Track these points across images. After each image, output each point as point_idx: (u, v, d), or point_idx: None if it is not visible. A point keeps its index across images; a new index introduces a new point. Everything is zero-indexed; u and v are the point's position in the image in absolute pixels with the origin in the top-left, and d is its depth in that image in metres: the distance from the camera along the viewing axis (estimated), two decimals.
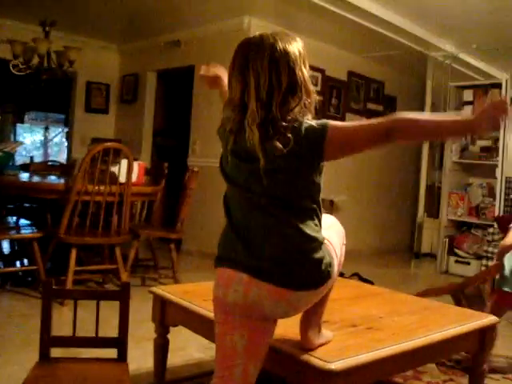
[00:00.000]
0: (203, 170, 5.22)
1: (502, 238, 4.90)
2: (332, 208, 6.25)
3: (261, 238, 1.61)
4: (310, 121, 1.60)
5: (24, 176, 4.83)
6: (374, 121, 1.59)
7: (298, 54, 1.63)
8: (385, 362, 1.86)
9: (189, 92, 6.86)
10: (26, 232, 4.21)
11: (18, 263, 5.06)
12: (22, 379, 1.86)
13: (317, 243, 1.61)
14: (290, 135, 1.55)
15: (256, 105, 1.57)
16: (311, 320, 1.80)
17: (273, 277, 1.58)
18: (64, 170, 5.99)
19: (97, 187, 4.05)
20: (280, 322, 1.73)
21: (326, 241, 1.66)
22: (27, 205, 5.48)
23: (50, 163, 6.64)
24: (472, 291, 3.61)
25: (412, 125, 1.59)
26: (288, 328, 1.81)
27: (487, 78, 7.38)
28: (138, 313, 2.76)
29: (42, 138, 12.56)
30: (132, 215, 5.01)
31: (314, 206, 1.64)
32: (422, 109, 7.59)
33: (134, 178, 4.33)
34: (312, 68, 1.73)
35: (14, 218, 5.35)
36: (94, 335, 2.10)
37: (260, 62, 1.58)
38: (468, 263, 6.15)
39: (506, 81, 6.14)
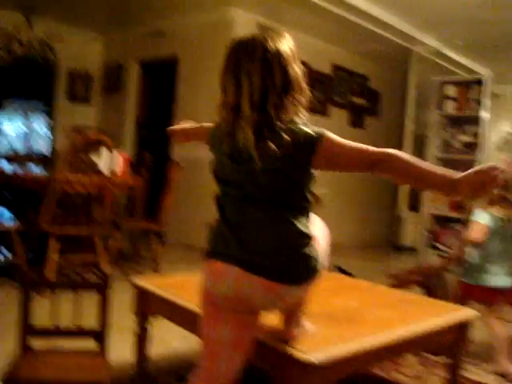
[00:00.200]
0: (186, 162, 5.21)
1: None
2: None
3: (255, 234, 1.62)
4: (307, 126, 1.60)
5: (5, 166, 4.78)
6: (369, 148, 1.59)
7: (289, 52, 1.63)
8: (365, 354, 1.88)
9: (172, 83, 6.82)
10: (7, 222, 4.17)
11: None
12: (0, 370, 1.85)
13: (308, 239, 1.63)
14: (286, 136, 1.55)
15: (250, 106, 1.57)
16: (294, 313, 1.81)
17: (265, 271, 1.59)
18: (46, 160, 5.94)
19: (79, 178, 4.02)
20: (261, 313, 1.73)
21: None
22: (8, 195, 5.42)
23: (31, 153, 6.58)
24: (435, 281, 3.66)
25: (401, 166, 1.57)
26: (269, 320, 1.82)
27: (470, 74, 7.44)
28: (119, 304, 2.75)
29: (24, 128, 12.42)
30: (114, 206, 4.98)
31: (306, 204, 1.66)
32: (405, 103, 7.64)
33: (117, 169, 4.30)
34: None
35: None
36: (74, 326, 2.10)
37: (252, 63, 1.57)
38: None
39: (489, 77, 6.18)
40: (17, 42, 5.56)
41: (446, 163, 6.71)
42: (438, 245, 6.49)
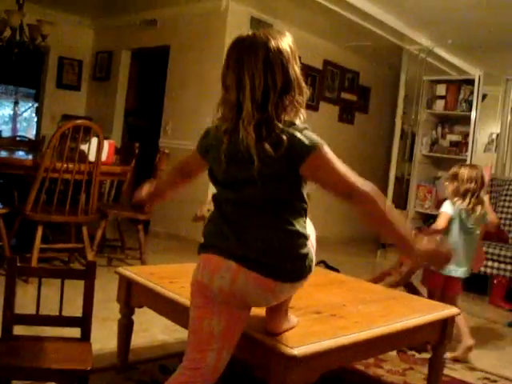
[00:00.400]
0: (174, 152, 5.19)
1: None
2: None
3: (253, 233, 1.63)
4: (306, 132, 1.60)
5: None
6: (351, 178, 1.61)
7: (290, 51, 1.63)
8: (347, 348, 1.89)
9: (163, 72, 6.80)
10: None
11: None
12: None
13: (304, 239, 1.67)
14: (284, 138, 1.56)
15: (251, 106, 1.57)
16: (279, 306, 1.82)
17: (261, 267, 1.61)
18: (32, 145, 5.91)
19: (65, 165, 4.00)
20: None
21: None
22: None
23: (18, 138, 6.54)
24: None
25: (372, 211, 1.61)
26: (253, 313, 1.82)
27: (461, 74, 7.47)
28: (103, 293, 2.75)
29: (11, 113, 12.33)
30: (100, 194, 4.97)
31: (304, 204, 1.69)
32: (395, 100, 7.66)
33: (103, 157, 4.28)
34: None
35: None
36: (57, 314, 2.09)
37: (254, 63, 1.58)
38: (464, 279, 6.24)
39: (479, 77, 6.21)
40: (8, 28, 5.50)
41: (434, 161, 6.76)
42: None
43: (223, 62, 1.68)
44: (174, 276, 2.49)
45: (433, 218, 6.55)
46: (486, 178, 3.65)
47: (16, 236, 4.42)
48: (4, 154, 4.65)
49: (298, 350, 1.72)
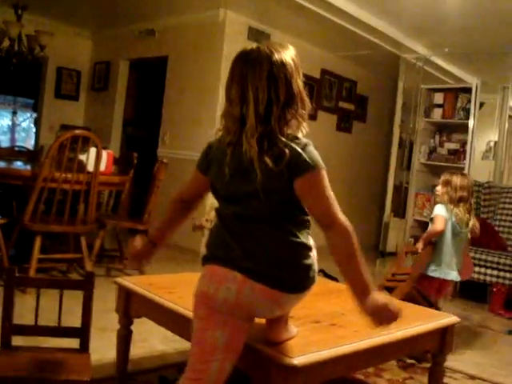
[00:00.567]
0: (172, 162, 5.20)
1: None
2: None
3: (258, 244, 1.64)
4: (309, 149, 1.60)
5: None
6: (332, 210, 1.61)
7: (293, 65, 1.64)
8: (347, 358, 1.89)
9: (161, 83, 6.81)
10: None
11: None
12: None
13: (308, 250, 1.68)
14: (286, 151, 1.57)
15: (255, 119, 1.58)
16: (280, 316, 1.82)
17: (267, 278, 1.62)
18: (31, 156, 5.91)
19: (64, 175, 4.00)
20: None
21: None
22: None
23: (16, 149, 6.53)
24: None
25: (338, 247, 1.62)
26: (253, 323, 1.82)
27: (458, 82, 7.49)
28: (102, 303, 2.74)
29: (10, 123, 12.33)
30: (99, 204, 4.96)
31: (306, 217, 1.70)
32: (392, 109, 7.67)
33: (102, 167, 4.28)
34: None
35: None
36: (56, 324, 2.08)
37: (259, 77, 1.59)
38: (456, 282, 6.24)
39: (477, 85, 6.23)
40: (7, 38, 5.52)
41: (432, 170, 6.77)
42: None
43: (227, 75, 1.69)
44: (172, 286, 2.49)
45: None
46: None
47: (14, 246, 4.41)
48: (2, 164, 4.65)
49: (297, 360, 1.71)
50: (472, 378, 3.15)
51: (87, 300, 2.09)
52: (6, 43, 5.57)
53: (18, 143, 11.24)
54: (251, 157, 1.59)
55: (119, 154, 6.89)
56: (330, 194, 1.62)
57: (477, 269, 5.07)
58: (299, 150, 1.58)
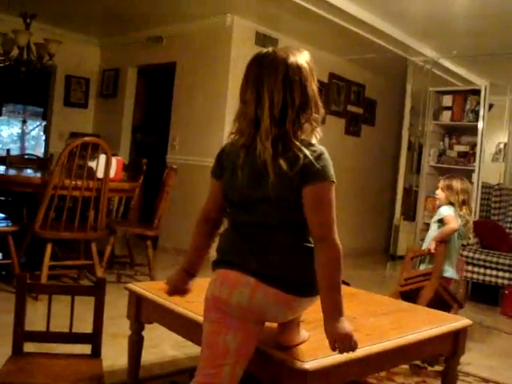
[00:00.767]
0: (182, 167, 5.22)
1: (478, 243, 5.06)
2: None
3: (271, 250, 1.64)
4: (324, 159, 1.61)
5: (0, 169, 4.77)
6: (326, 224, 1.60)
7: (308, 69, 1.65)
8: (359, 362, 1.87)
9: (169, 89, 6.83)
10: (1, 225, 4.15)
11: None
12: None
13: None
14: (301, 156, 1.57)
15: (270, 121, 1.59)
16: (292, 320, 1.81)
17: (281, 283, 1.62)
18: (41, 163, 5.94)
19: (74, 182, 4.01)
20: None
21: None
22: (3, 198, 5.42)
23: (26, 156, 6.57)
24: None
25: (335, 264, 1.60)
26: (264, 327, 1.81)
27: (466, 84, 7.47)
28: (113, 309, 2.75)
29: (20, 131, 12.40)
30: (109, 211, 4.97)
31: None
32: (401, 112, 7.65)
33: (111, 173, 4.29)
34: None
35: None
36: (68, 331, 2.09)
37: (274, 79, 1.60)
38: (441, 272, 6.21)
39: (485, 87, 6.21)
40: (15, 47, 5.55)
41: (441, 172, 6.74)
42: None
43: (236, 79, 1.69)
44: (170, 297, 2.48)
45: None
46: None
47: (25, 254, 4.43)
48: (13, 172, 4.68)
49: (309, 364, 1.70)
50: (485, 381, 3.13)
51: (98, 306, 2.09)
52: (15, 52, 5.61)
53: (27, 151, 11.30)
54: (265, 159, 1.59)
55: (128, 160, 6.91)
56: (333, 210, 1.61)
57: (488, 271, 5.04)
58: (314, 157, 1.59)
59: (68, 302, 2.06)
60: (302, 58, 1.66)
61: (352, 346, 1.61)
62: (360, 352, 1.86)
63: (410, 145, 7.60)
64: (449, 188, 3.84)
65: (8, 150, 6.80)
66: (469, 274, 5.19)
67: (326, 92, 7.32)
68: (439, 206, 3.90)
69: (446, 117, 6.67)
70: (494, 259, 5.02)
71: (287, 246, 1.65)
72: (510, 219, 5.83)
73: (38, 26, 6.11)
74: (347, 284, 3.60)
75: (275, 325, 1.85)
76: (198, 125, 6.38)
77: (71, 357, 2.07)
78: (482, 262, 5.08)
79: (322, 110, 1.69)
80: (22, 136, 12.41)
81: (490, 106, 6.65)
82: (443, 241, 3.76)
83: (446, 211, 3.81)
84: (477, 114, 6.29)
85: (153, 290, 2.48)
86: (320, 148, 1.63)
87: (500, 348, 3.89)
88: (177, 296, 1.93)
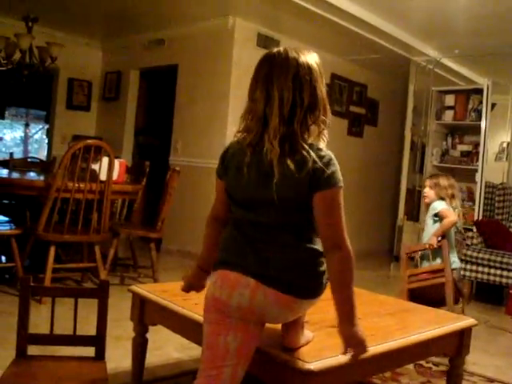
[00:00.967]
0: (185, 169, 5.21)
1: (482, 242, 5.06)
2: None
3: (274, 251, 1.65)
4: (333, 165, 1.62)
5: (3, 172, 4.77)
6: (338, 232, 1.62)
7: (318, 71, 1.67)
8: (363, 362, 1.86)
9: (172, 91, 6.83)
10: (5, 228, 4.16)
11: None
12: None
13: (322, 257, 1.69)
14: (309, 160, 1.58)
15: (278, 120, 1.59)
16: (296, 320, 1.81)
17: (281, 284, 1.63)
18: (44, 166, 5.94)
19: (77, 184, 4.02)
20: None
21: None
22: (6, 201, 5.42)
23: (29, 160, 6.57)
24: None
25: (350, 270, 1.63)
26: (265, 328, 1.81)
27: (469, 84, 7.45)
28: (117, 312, 2.74)
29: (22, 135, 12.41)
30: (112, 213, 4.98)
31: None
32: (404, 112, 7.64)
33: (114, 176, 4.30)
34: None
35: None
36: (71, 333, 2.08)
37: (285, 78, 1.61)
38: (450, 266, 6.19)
39: (488, 86, 6.20)
40: (18, 50, 5.56)
41: (444, 172, 6.72)
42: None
43: (252, 75, 1.69)
44: (186, 293, 2.48)
45: None
46: None
47: (29, 257, 4.44)
48: (16, 175, 4.68)
49: (314, 365, 1.70)
50: (490, 380, 3.12)
51: (102, 308, 2.08)
52: (18, 55, 5.61)
53: (30, 154, 11.32)
54: (271, 158, 1.59)
55: (131, 162, 6.92)
56: (343, 214, 1.63)
57: (492, 271, 5.03)
58: (323, 163, 1.60)
59: (71, 304, 2.06)
60: (312, 59, 1.67)
61: (363, 352, 1.66)
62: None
63: (413, 145, 7.57)
64: (437, 185, 4.04)
65: (11, 154, 6.78)
66: (473, 274, 5.17)
67: (329, 92, 7.23)
68: (429, 204, 4.09)
69: (448, 116, 6.66)
70: (498, 258, 5.00)
71: (289, 247, 1.65)
72: None
73: (40, 30, 6.11)
74: None
75: (278, 326, 1.84)
76: (201, 127, 6.38)
77: (75, 359, 2.07)
78: (486, 262, 5.06)
79: (329, 114, 1.69)
80: (25, 139, 12.43)
81: (493, 106, 6.63)
82: (444, 234, 3.88)
83: (439, 205, 3.98)
84: (479, 113, 6.27)
85: (156, 292, 2.48)
86: (328, 153, 1.64)
87: (505, 347, 3.88)
88: (192, 292, 1.96)
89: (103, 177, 4.15)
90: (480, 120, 6.23)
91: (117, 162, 4.39)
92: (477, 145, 6.36)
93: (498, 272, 4.99)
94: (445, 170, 6.74)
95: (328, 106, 1.69)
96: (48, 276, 3.93)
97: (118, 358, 2.81)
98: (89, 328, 2.10)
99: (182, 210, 6.08)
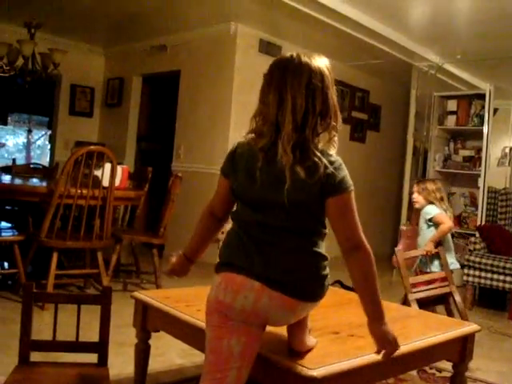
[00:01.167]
0: (187, 175, 5.21)
1: (485, 248, 5.05)
2: None
3: (280, 253, 1.65)
4: (343, 170, 1.65)
5: (6, 178, 4.78)
6: (356, 232, 1.65)
7: (330, 77, 1.68)
8: (366, 369, 1.86)
9: (174, 97, 6.85)
10: (7, 235, 4.16)
11: None
12: (0, 383, 1.84)
13: (326, 261, 1.72)
14: (321, 167, 1.59)
15: (291, 126, 1.60)
16: (302, 323, 1.83)
17: (286, 287, 1.64)
18: (46, 172, 5.95)
19: (79, 191, 4.02)
20: None
21: None
22: (9, 207, 5.42)
23: (32, 166, 6.58)
24: None
25: (372, 268, 1.66)
26: (267, 334, 1.81)
27: (471, 89, 7.45)
28: (119, 318, 2.74)
29: (25, 141, 12.45)
30: (115, 220, 4.98)
31: (325, 230, 1.73)
32: (406, 117, 7.63)
33: (117, 182, 4.30)
34: None
35: None
36: (74, 340, 2.08)
37: (298, 85, 1.61)
38: (462, 268, 6.18)
39: (490, 91, 6.19)
40: (20, 57, 5.57)
41: (447, 177, 6.73)
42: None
43: (264, 79, 1.70)
44: (189, 299, 2.48)
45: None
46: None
47: (31, 263, 4.43)
48: (18, 181, 4.69)
49: (317, 372, 1.69)
50: None
51: (105, 314, 2.08)
52: (20, 62, 5.62)
53: (33, 161, 11.34)
54: (284, 164, 1.59)
55: (134, 168, 6.92)
56: (357, 216, 1.66)
57: (495, 276, 5.01)
58: (334, 168, 1.62)
59: (74, 310, 2.05)
60: (323, 65, 1.69)
61: (395, 350, 1.70)
62: (367, 359, 1.86)
63: (415, 150, 7.56)
64: (424, 190, 4.09)
65: (14, 160, 6.80)
66: (476, 279, 5.16)
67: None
68: (420, 209, 4.14)
69: (450, 121, 6.65)
70: (501, 264, 4.99)
71: (296, 250, 1.66)
72: None
73: (43, 36, 6.13)
74: (353, 290, 3.60)
75: (281, 332, 1.84)
76: (203, 132, 6.39)
77: (78, 366, 2.06)
78: (489, 267, 5.05)
79: (340, 120, 1.70)
80: (28, 145, 12.46)
81: (495, 111, 6.63)
82: (440, 240, 3.95)
83: (433, 210, 4.02)
84: (482, 118, 6.26)
85: (159, 298, 2.48)
86: (338, 158, 1.67)
87: (508, 353, 3.86)
88: (174, 277, 2.00)
89: (106, 183, 4.15)
90: (482, 125, 6.22)
91: (119, 168, 4.40)
92: (479, 150, 6.35)
93: (501, 277, 4.98)
94: (447, 175, 6.74)
95: (339, 112, 1.70)
96: (50, 282, 3.93)
97: (121, 364, 2.80)
98: (91, 334, 2.10)
99: (185, 216, 6.06)
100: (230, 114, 6.04)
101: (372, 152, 8.15)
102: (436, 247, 3.90)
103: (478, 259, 5.16)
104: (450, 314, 3.80)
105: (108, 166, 4.15)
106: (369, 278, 1.66)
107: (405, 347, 2.02)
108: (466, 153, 6.64)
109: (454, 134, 6.80)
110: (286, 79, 1.63)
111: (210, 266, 1.88)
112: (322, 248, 1.71)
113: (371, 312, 1.69)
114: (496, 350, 3.86)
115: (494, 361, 3.57)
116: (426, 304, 3.64)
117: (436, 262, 3.94)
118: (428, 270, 3.97)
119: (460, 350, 2.38)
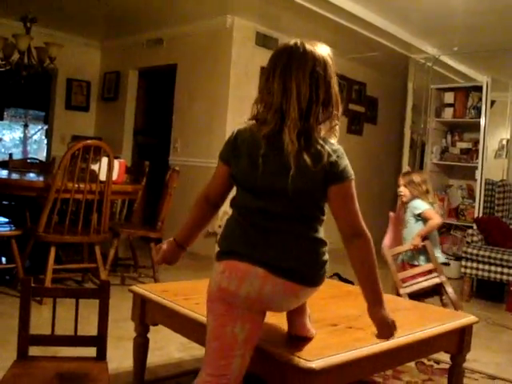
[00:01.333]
0: (184, 169, 5.21)
1: (482, 240, 5.05)
2: None
3: (282, 239, 1.66)
4: (344, 158, 1.68)
5: (3, 173, 4.77)
6: (356, 219, 1.68)
7: (332, 66, 1.69)
8: (365, 360, 1.87)
9: (171, 90, 6.83)
10: (5, 230, 4.15)
11: None
12: None
13: (326, 247, 1.74)
14: (325, 154, 1.61)
15: (297, 113, 1.60)
16: (302, 307, 1.86)
17: (289, 273, 1.65)
18: (43, 167, 5.94)
19: (77, 185, 4.01)
20: None
21: None
22: (6, 202, 5.41)
23: (29, 160, 6.56)
24: None
25: (372, 255, 1.70)
26: (266, 326, 1.81)
27: (468, 81, 7.45)
28: (118, 312, 2.74)
29: (22, 135, 12.41)
30: (112, 214, 4.97)
31: (323, 217, 1.75)
32: (403, 110, 7.63)
33: (114, 176, 4.29)
34: None
35: None
36: (72, 334, 2.08)
37: (302, 74, 1.62)
38: (447, 264, 6.19)
39: (487, 83, 6.19)
40: (16, 51, 5.55)
41: (445, 169, 6.73)
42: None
43: (267, 66, 1.70)
44: (187, 293, 2.48)
45: (445, 226, 6.51)
46: None
47: (29, 258, 4.43)
48: (15, 176, 4.68)
49: (315, 363, 1.70)
50: (492, 378, 3.12)
51: (103, 308, 2.08)
52: (16, 56, 5.61)
53: (30, 155, 11.32)
54: (289, 152, 1.59)
55: (131, 163, 6.92)
56: (357, 204, 1.68)
57: (493, 268, 5.02)
58: (337, 156, 1.64)
59: (72, 305, 2.05)
60: (326, 54, 1.71)
61: (393, 332, 1.73)
62: (366, 351, 1.86)
63: (413, 142, 7.56)
64: (411, 183, 4.08)
65: (10, 155, 6.79)
66: (473, 271, 5.17)
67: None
68: (407, 202, 4.15)
69: (448, 114, 6.65)
70: (499, 256, 5.00)
71: (298, 237, 1.67)
72: None
73: (39, 30, 6.11)
74: (351, 283, 3.60)
75: (279, 323, 1.85)
76: (200, 126, 6.38)
77: (76, 360, 2.06)
78: (486, 259, 5.06)
79: (341, 108, 1.71)
80: (24, 140, 12.43)
81: (492, 103, 6.63)
82: (427, 235, 3.96)
83: (421, 206, 4.01)
84: (479, 110, 6.26)
85: (157, 291, 2.48)
86: (339, 146, 1.68)
87: (506, 345, 3.88)
88: (165, 264, 1.99)
89: (103, 177, 4.15)
90: (479, 117, 6.21)
91: (116, 162, 4.39)
92: (476, 142, 6.34)
93: (499, 269, 4.99)
94: (444, 167, 6.74)
95: (340, 102, 1.70)
96: (48, 277, 3.92)
97: (120, 358, 2.81)
98: (90, 328, 2.10)
99: (182, 210, 6.05)
100: (226, 107, 6.04)
101: (369, 145, 8.14)
102: (422, 241, 3.93)
103: (475, 251, 5.16)
104: (444, 305, 3.82)
105: (105, 160, 4.14)
106: (369, 264, 1.70)
107: (403, 339, 2.03)
108: (464, 145, 6.64)
109: (451, 126, 6.79)
110: (291, 67, 1.63)
111: (207, 260, 1.88)
112: (322, 234, 1.72)
113: (371, 297, 1.72)
114: (494, 342, 3.88)
115: (491, 352, 3.59)
116: (416, 297, 3.66)
117: (422, 257, 3.97)
118: (416, 263, 4.00)
119: (458, 341, 2.39)
